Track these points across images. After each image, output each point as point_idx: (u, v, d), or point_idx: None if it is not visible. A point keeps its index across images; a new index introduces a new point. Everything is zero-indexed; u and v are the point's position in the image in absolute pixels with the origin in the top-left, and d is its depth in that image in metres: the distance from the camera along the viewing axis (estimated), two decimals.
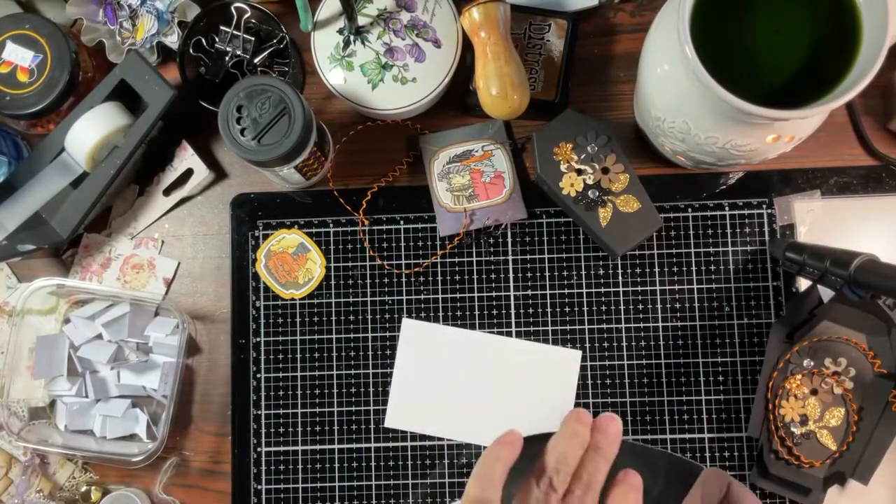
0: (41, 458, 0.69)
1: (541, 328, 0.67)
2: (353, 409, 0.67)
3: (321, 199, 0.70)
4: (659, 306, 0.67)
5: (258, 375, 0.68)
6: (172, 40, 0.70)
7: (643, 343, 0.67)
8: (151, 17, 0.69)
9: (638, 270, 0.67)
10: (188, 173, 0.70)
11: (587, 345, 0.67)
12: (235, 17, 0.67)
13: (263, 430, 0.68)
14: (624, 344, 0.67)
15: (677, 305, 0.67)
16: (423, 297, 0.68)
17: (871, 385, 0.62)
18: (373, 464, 0.67)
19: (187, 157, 0.70)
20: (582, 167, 0.65)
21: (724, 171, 0.68)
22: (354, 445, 0.67)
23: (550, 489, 0.39)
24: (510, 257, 0.68)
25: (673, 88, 0.55)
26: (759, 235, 0.67)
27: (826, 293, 0.63)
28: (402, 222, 0.69)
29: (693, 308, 0.67)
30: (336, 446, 0.67)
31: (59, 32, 0.65)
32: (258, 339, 0.68)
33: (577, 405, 0.66)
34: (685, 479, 0.47)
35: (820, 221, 0.67)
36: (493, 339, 0.67)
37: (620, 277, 0.67)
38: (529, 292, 0.68)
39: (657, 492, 0.48)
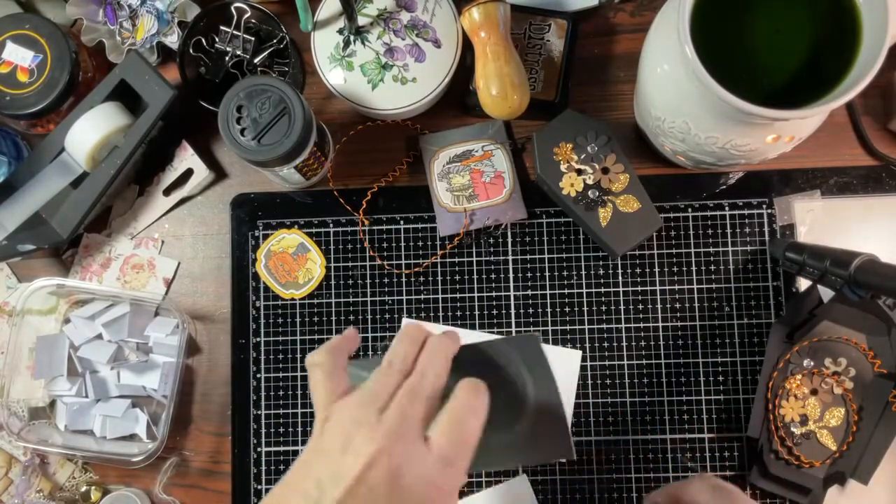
0: (41, 458, 0.69)
1: (541, 328, 0.67)
2: None
3: (321, 199, 0.70)
4: (659, 306, 0.67)
5: (258, 375, 0.68)
6: (172, 40, 0.70)
7: (643, 343, 0.67)
8: (151, 17, 0.69)
9: (638, 270, 0.67)
10: (188, 173, 0.70)
11: (587, 345, 0.67)
12: (235, 17, 0.67)
13: (263, 430, 0.68)
14: (624, 344, 0.67)
15: (677, 305, 0.67)
16: (423, 297, 0.68)
17: (871, 385, 0.62)
18: None
19: (187, 157, 0.70)
20: (582, 167, 0.65)
21: (724, 171, 0.68)
22: None
23: (389, 368, 0.44)
24: (510, 257, 0.68)
25: (673, 88, 0.55)
26: (759, 235, 0.67)
27: (826, 293, 0.63)
28: (402, 222, 0.69)
29: (693, 308, 0.67)
30: None
31: (59, 32, 0.65)
32: (258, 339, 0.68)
33: (577, 405, 0.66)
34: (537, 356, 0.50)
35: (820, 221, 0.67)
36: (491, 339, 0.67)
37: (620, 277, 0.67)
38: (529, 292, 0.68)
39: (520, 382, 0.50)
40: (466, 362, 0.47)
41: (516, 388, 0.50)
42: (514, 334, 0.67)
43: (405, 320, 0.68)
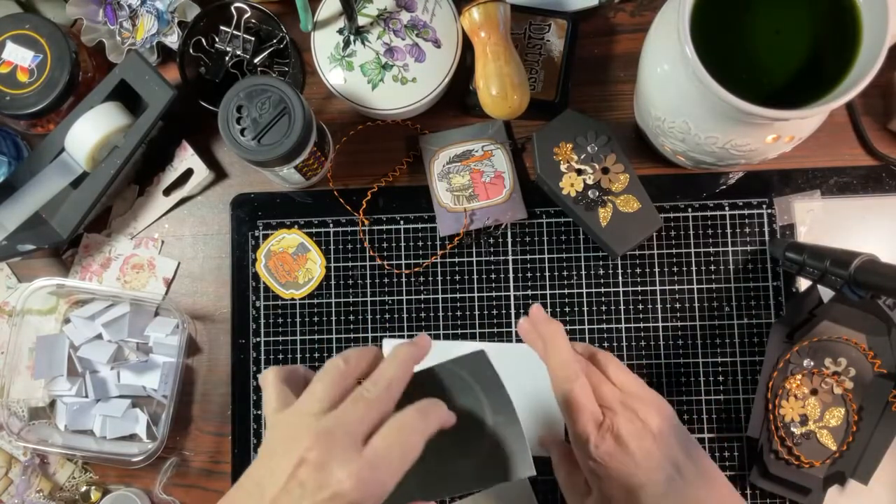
0: (41, 458, 0.69)
1: None
2: None
3: (321, 199, 0.70)
4: (659, 306, 0.67)
5: (258, 375, 0.68)
6: (172, 40, 0.70)
7: (643, 343, 0.67)
8: (151, 17, 0.69)
9: (638, 270, 0.67)
10: (188, 173, 0.70)
11: None
12: (235, 17, 0.67)
13: (263, 431, 0.67)
14: (624, 344, 0.67)
15: (677, 305, 0.67)
16: (423, 297, 0.68)
17: (871, 385, 0.62)
18: None
19: (187, 157, 0.70)
20: (582, 167, 0.65)
21: (724, 171, 0.68)
22: None
23: (328, 373, 0.45)
24: (510, 257, 0.68)
25: (673, 88, 0.55)
26: (759, 235, 0.67)
27: (826, 293, 0.63)
28: (402, 222, 0.69)
29: (693, 308, 0.67)
30: None
31: (59, 32, 0.65)
32: (258, 339, 0.68)
33: None
34: (488, 374, 0.50)
35: (820, 221, 0.67)
36: (489, 347, 0.66)
37: (620, 277, 0.67)
38: (529, 292, 0.68)
39: (477, 404, 0.50)
40: (423, 387, 0.47)
41: (473, 412, 0.49)
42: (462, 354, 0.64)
43: (386, 342, 0.67)
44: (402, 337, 0.68)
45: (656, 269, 0.67)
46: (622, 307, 0.67)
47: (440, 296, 0.68)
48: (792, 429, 0.63)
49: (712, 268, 0.67)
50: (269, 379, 0.46)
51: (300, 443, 0.41)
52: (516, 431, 0.49)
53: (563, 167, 0.65)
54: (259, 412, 0.68)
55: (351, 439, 0.41)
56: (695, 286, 0.67)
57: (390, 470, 0.41)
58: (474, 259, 0.68)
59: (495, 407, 0.50)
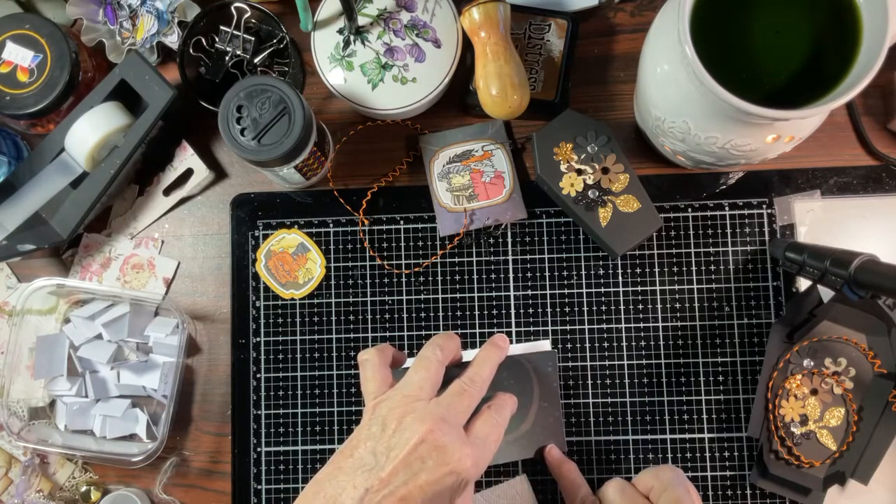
0: (41, 458, 0.69)
1: (541, 328, 0.67)
2: (353, 409, 0.67)
3: (321, 199, 0.70)
4: (659, 306, 0.67)
5: (258, 375, 0.68)
6: (172, 40, 0.70)
7: (643, 343, 0.67)
8: (151, 16, 0.69)
9: (638, 270, 0.67)
10: (188, 173, 0.70)
11: (587, 345, 0.67)
12: (235, 17, 0.67)
13: (263, 430, 0.68)
14: (624, 344, 0.67)
15: (677, 305, 0.67)
16: (423, 297, 0.68)
17: (871, 385, 0.62)
18: None
19: (187, 157, 0.70)
20: (582, 167, 0.65)
21: (724, 171, 0.68)
22: None
23: (427, 361, 0.52)
24: (510, 257, 0.68)
25: (673, 88, 0.55)
26: (759, 235, 0.67)
27: (826, 293, 0.63)
28: (402, 222, 0.69)
29: (693, 308, 0.67)
30: (336, 446, 0.67)
31: (59, 32, 0.65)
32: (258, 339, 0.68)
33: (577, 405, 0.66)
34: (548, 372, 0.64)
35: (820, 221, 0.67)
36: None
37: (620, 277, 0.67)
38: (529, 292, 0.68)
39: (529, 388, 0.64)
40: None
41: (524, 396, 0.60)
42: (525, 341, 0.68)
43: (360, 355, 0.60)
44: (402, 337, 0.68)
45: (656, 269, 0.67)
46: (622, 307, 0.67)
47: (440, 296, 0.68)
48: (792, 429, 0.63)
49: (712, 268, 0.67)
50: (374, 362, 0.52)
51: (421, 424, 0.47)
52: (556, 416, 0.63)
53: (563, 167, 0.65)
54: (259, 412, 0.68)
55: (459, 425, 0.49)
56: (695, 286, 0.67)
57: (490, 451, 0.50)
58: (474, 259, 0.68)
59: (543, 395, 0.63)
